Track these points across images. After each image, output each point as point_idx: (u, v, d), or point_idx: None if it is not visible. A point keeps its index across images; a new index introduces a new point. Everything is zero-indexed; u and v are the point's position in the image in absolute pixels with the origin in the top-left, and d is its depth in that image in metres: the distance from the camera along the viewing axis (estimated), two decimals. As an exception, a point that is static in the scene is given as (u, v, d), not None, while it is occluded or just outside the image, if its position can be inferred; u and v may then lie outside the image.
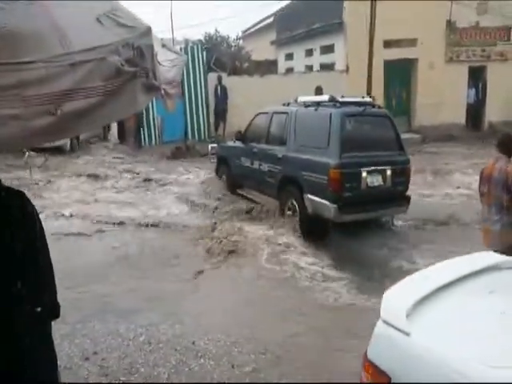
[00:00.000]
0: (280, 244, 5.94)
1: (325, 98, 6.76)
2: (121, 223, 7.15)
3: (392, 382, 1.75)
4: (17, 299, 2.01)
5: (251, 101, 14.73)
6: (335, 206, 5.85)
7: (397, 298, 2.01)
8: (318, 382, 3.12)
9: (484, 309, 1.91)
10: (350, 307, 4.54)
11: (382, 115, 6.68)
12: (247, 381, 3.31)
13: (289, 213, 6.68)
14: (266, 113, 7.89)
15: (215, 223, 6.82)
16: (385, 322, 1.88)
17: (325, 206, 5.96)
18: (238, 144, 8.44)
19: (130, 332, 4.01)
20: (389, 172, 6.16)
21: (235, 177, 8.60)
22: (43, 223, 2.06)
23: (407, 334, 1.76)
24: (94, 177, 10.32)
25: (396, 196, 6.42)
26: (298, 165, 6.54)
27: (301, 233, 6.27)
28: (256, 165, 7.70)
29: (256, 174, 7.69)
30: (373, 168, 6.06)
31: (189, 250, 6.09)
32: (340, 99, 6.57)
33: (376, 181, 6.09)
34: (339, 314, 4.42)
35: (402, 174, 6.41)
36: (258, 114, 8.26)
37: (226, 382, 3.10)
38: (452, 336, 1.76)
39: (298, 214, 6.47)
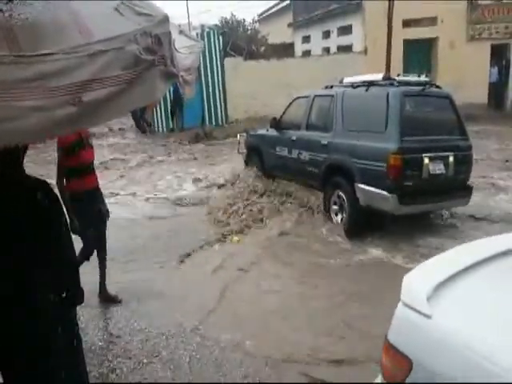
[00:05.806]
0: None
1: (377, 76, 6.13)
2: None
3: (414, 365, 1.75)
4: (43, 286, 2.09)
5: (269, 85, 14.69)
6: (395, 196, 5.30)
7: (417, 280, 1.99)
8: (315, 382, 3.12)
9: (508, 292, 1.88)
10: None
11: (442, 95, 6.06)
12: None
13: (334, 207, 6.18)
14: (306, 97, 7.16)
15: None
16: (405, 304, 1.86)
17: (382, 196, 5.40)
18: (272, 132, 7.72)
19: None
20: (451, 159, 5.59)
21: (268, 168, 7.88)
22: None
23: (428, 317, 1.75)
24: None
25: (457, 186, 5.87)
26: (348, 151, 5.91)
27: (348, 227, 5.84)
28: (295, 154, 7.01)
29: (295, 164, 7.03)
30: (435, 154, 5.51)
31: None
32: (396, 78, 6.03)
33: (438, 168, 5.54)
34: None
35: (465, 161, 5.84)
36: (295, 99, 7.57)
37: (228, 382, 3.14)
38: (474, 319, 1.74)
39: (347, 207, 5.92)
